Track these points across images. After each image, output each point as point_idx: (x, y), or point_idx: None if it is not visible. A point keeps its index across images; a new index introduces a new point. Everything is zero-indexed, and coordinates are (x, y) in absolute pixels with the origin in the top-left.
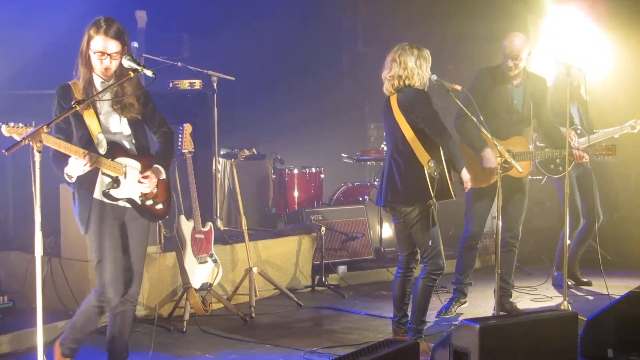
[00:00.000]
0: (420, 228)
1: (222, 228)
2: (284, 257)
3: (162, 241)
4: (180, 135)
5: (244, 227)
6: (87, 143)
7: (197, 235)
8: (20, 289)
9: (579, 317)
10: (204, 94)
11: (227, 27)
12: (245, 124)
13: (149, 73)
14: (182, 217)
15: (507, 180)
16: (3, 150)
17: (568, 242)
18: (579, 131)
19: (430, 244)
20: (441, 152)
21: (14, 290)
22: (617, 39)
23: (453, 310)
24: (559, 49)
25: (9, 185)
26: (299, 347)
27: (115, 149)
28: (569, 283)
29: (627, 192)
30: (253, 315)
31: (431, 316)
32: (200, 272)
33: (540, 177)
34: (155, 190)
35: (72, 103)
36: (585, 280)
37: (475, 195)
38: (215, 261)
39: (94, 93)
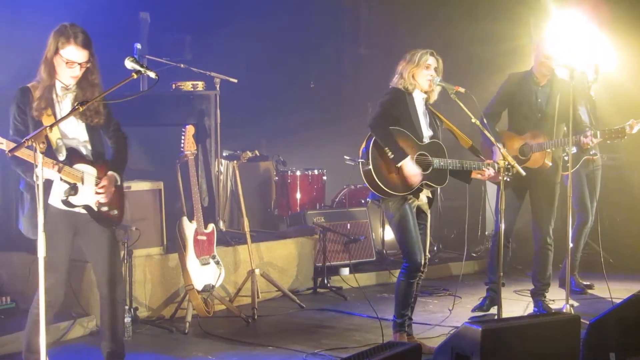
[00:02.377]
0: (393, 224)
1: (224, 230)
2: (286, 259)
3: (165, 243)
4: (182, 137)
5: (246, 228)
6: (46, 148)
7: (199, 237)
8: (22, 290)
9: (582, 320)
10: (206, 96)
11: (229, 29)
12: (248, 125)
13: (152, 75)
14: (185, 219)
15: (528, 174)
16: (7, 151)
17: (571, 245)
18: (587, 130)
19: (402, 246)
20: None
21: (16, 291)
22: (620, 41)
23: (486, 307)
24: (562, 52)
25: (12, 186)
26: (301, 349)
27: (74, 155)
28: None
29: (629, 195)
30: (255, 316)
31: (434, 319)
32: (202, 274)
33: None
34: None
35: (75, 105)
36: (587, 283)
37: (500, 190)
38: (217, 263)
39: (53, 98)
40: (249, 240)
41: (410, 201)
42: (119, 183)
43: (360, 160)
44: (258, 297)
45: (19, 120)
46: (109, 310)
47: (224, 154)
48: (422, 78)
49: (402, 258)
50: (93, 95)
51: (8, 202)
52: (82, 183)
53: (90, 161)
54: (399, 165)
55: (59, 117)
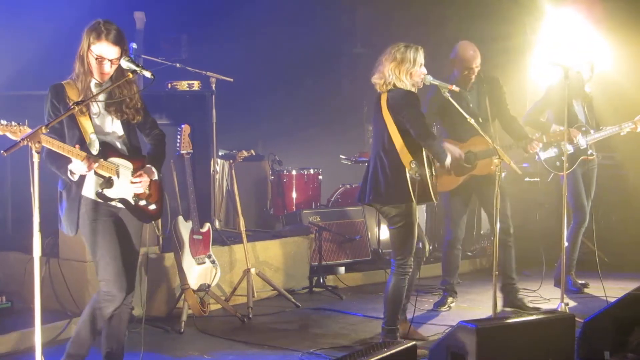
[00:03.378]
0: (398, 229)
1: (220, 229)
2: (282, 258)
3: (161, 242)
4: (178, 137)
5: (242, 228)
6: (79, 143)
7: (195, 237)
8: (18, 290)
9: (576, 319)
10: (202, 95)
11: (225, 29)
12: (244, 125)
13: (147, 74)
14: (180, 218)
15: (475, 180)
16: (2, 151)
17: (566, 244)
18: (583, 129)
19: (406, 246)
20: (424, 154)
21: (12, 290)
22: (615, 40)
23: (447, 303)
24: (557, 51)
25: (8, 185)
26: (297, 348)
27: (108, 149)
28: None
29: (624, 194)
30: (251, 316)
31: (429, 318)
32: (198, 273)
33: (538, 179)
34: (148, 191)
35: (70, 104)
36: (582, 282)
37: (449, 198)
38: (213, 262)
39: (87, 95)
40: (244, 239)
41: None
42: (156, 177)
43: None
44: (254, 297)
45: (53, 118)
46: (117, 310)
47: (220, 154)
48: (417, 77)
49: (394, 259)
50: (130, 92)
51: (3, 202)
52: (118, 176)
53: (125, 155)
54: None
55: (92, 114)
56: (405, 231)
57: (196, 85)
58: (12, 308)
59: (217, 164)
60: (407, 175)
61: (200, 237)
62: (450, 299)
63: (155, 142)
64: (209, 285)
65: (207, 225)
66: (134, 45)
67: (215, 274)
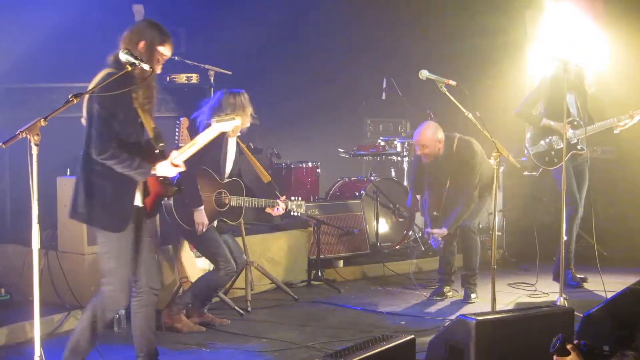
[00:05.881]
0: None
1: None
2: (280, 252)
3: (159, 235)
4: (177, 129)
5: (241, 221)
6: (145, 137)
7: None
8: (17, 282)
9: (575, 313)
10: (201, 88)
11: (223, 21)
12: None
13: (146, 67)
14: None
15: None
16: (0, 144)
17: (565, 238)
18: (575, 122)
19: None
20: None
21: (11, 283)
22: (615, 34)
23: (444, 292)
24: (556, 45)
25: (6, 178)
26: (295, 342)
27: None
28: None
29: (623, 188)
30: (249, 309)
31: (428, 311)
32: (196, 266)
33: (535, 173)
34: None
35: (69, 97)
36: (581, 276)
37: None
38: None
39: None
40: (243, 232)
41: None
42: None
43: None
44: (252, 290)
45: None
46: (147, 303)
47: None
48: None
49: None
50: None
51: (2, 194)
52: None
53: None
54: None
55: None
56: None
57: (195, 78)
58: (11, 300)
59: None
60: None
61: None
62: (447, 288)
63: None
64: None
65: None
66: None
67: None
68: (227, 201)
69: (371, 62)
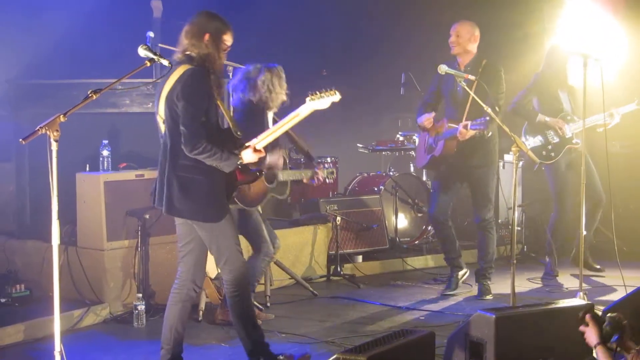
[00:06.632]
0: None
1: None
2: (299, 247)
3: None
4: None
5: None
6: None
7: None
8: (37, 278)
9: (596, 308)
10: None
11: (242, 16)
12: None
13: (165, 62)
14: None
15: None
16: (20, 139)
17: (584, 232)
18: (569, 117)
19: None
20: None
21: (30, 278)
22: (634, 28)
23: (454, 285)
24: (575, 39)
25: (26, 174)
26: (314, 337)
27: None
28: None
29: None
30: (268, 304)
31: (446, 306)
32: (212, 263)
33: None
34: None
35: (89, 93)
36: (597, 267)
37: (433, 182)
38: None
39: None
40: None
41: None
42: None
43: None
44: (271, 285)
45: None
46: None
47: None
48: None
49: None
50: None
51: (22, 191)
52: None
53: None
54: None
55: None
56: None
57: None
58: (31, 296)
59: None
60: None
61: None
62: (460, 273)
63: None
64: None
65: None
66: (151, 34)
67: None
68: (275, 176)
69: (389, 57)
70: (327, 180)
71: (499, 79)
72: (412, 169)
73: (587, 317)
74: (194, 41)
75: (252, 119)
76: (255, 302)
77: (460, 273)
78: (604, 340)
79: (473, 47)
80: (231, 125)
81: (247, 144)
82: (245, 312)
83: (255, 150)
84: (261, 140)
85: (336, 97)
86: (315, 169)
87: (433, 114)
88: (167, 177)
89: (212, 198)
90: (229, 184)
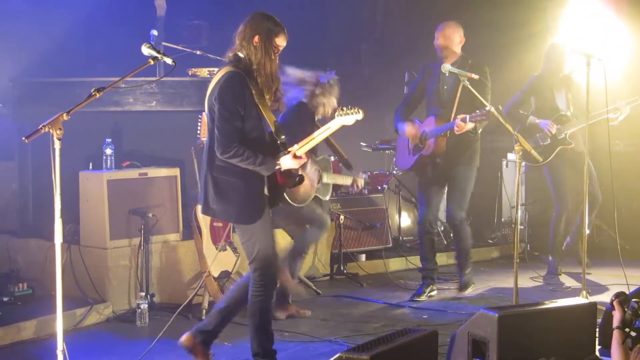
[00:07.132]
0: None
1: None
2: None
3: (182, 229)
4: (199, 123)
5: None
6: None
7: (215, 224)
8: (39, 277)
9: (598, 306)
10: None
11: (245, 15)
12: None
13: (168, 61)
14: (200, 206)
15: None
16: (23, 138)
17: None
18: (564, 118)
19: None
20: None
21: (33, 277)
22: (637, 27)
23: (425, 293)
24: (578, 39)
25: (29, 173)
26: (317, 336)
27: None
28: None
29: None
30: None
31: (449, 305)
32: (218, 260)
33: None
34: None
35: (92, 91)
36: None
37: (420, 184)
38: (234, 249)
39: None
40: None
41: None
42: None
43: None
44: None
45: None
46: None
47: None
48: None
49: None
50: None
51: (24, 189)
52: None
53: None
54: None
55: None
56: None
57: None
58: (33, 295)
59: None
60: None
61: (221, 224)
62: (431, 287)
63: None
64: (229, 273)
65: None
66: (155, 33)
67: (236, 261)
68: (320, 178)
69: (392, 56)
70: (363, 190)
71: (485, 79)
72: None
73: (615, 301)
74: (244, 43)
75: (306, 121)
76: (309, 283)
77: (431, 287)
78: (623, 325)
79: (459, 48)
80: (273, 130)
81: (288, 150)
82: (263, 314)
83: (295, 156)
84: (301, 147)
85: (360, 115)
86: (355, 176)
87: (416, 124)
88: (204, 178)
89: (246, 200)
90: (272, 187)
